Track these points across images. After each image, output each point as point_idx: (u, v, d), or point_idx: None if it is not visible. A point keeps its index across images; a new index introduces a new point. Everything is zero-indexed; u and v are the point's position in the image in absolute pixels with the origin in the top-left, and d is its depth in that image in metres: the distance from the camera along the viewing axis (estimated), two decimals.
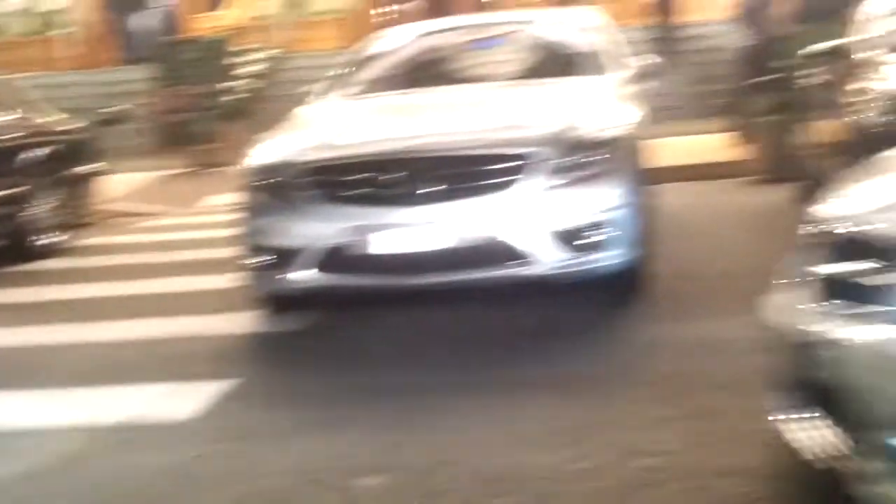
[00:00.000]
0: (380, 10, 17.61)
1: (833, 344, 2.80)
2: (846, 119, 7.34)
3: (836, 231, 2.98)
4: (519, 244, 5.35)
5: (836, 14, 9.95)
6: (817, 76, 8.65)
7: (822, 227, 3.07)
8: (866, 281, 2.78)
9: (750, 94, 11.18)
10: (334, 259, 5.47)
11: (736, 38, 12.81)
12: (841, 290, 2.86)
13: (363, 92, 7.22)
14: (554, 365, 4.90)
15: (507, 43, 7.74)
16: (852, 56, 7.90)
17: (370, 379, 4.93)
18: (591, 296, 5.86)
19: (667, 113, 11.87)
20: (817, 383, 2.86)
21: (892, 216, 2.88)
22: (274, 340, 5.83)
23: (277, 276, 5.63)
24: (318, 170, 5.62)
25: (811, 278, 3.00)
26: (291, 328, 5.92)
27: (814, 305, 2.93)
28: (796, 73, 9.64)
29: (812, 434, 2.95)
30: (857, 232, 2.89)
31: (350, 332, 5.82)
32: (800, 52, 9.00)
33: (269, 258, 5.64)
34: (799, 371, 2.98)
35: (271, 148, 6.01)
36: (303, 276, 5.55)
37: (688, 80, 14.30)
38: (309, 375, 5.10)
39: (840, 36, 8.48)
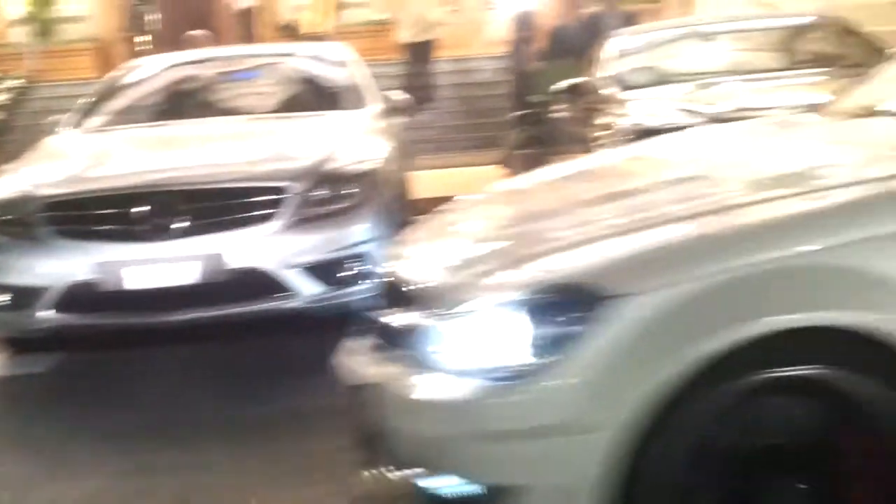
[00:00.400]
0: (139, 39, 17.19)
1: (371, 388, 2.90)
2: (593, 152, 7.66)
3: (385, 279, 3.20)
4: (273, 278, 5.30)
5: (582, 52, 10.44)
6: (565, 111, 9.00)
7: (382, 276, 3.26)
8: (395, 325, 2.93)
9: (512, 127, 11.60)
10: (77, 297, 5.26)
11: (501, 73, 13.29)
12: (383, 336, 3.00)
13: (114, 123, 7.01)
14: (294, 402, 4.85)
15: (263, 76, 7.71)
16: (598, 92, 8.27)
17: (113, 422, 4.76)
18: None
19: (434, 146, 12.11)
20: (373, 430, 2.92)
21: (414, 264, 3.12)
22: (12, 384, 5.56)
23: (16, 317, 5.36)
24: (60, 204, 5.40)
25: (372, 327, 3.13)
26: (32, 370, 5.65)
27: (368, 353, 3.06)
28: (549, 109, 10.02)
29: (380, 482, 2.94)
30: (396, 279, 3.09)
31: (94, 374, 5.62)
32: (551, 88, 9.35)
33: (6, 298, 5.36)
34: (360, 420, 3.03)
35: (12, 181, 5.74)
36: (44, 316, 5.29)
37: (460, 113, 14.63)
38: (50, 420, 4.89)
39: (584, 73, 8.88)
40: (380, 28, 13.11)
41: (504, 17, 15.04)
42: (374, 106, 6.96)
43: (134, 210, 5.28)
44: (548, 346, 2.51)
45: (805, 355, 2.48)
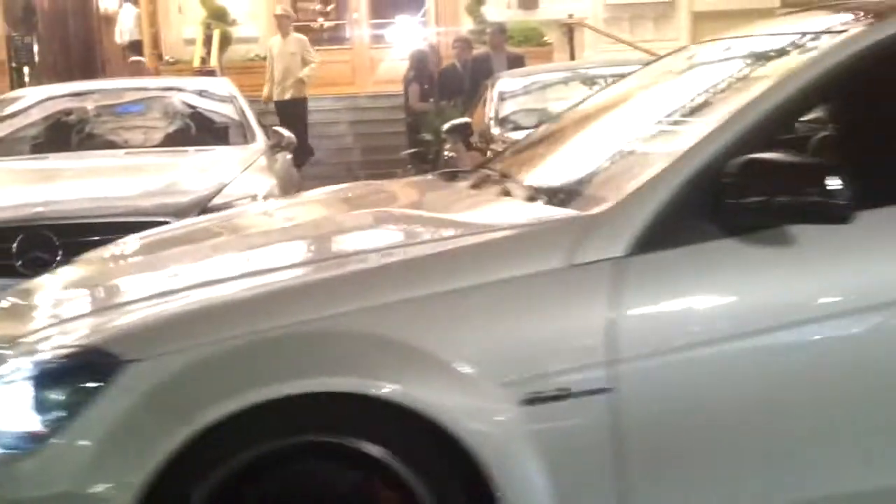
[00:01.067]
0: (26, 70, 16.87)
1: None
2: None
3: None
4: None
5: (470, 93, 10.61)
6: (453, 150, 9.13)
7: None
8: None
9: (406, 164, 11.69)
10: None
11: (396, 112, 13.38)
12: None
13: None
14: None
15: (149, 109, 7.65)
16: (488, 132, 8.41)
17: None
18: None
19: (329, 181, 12.08)
20: None
21: None
22: None
23: None
24: None
25: None
26: None
27: None
28: (440, 147, 10.14)
29: None
30: None
31: None
32: (441, 126, 9.47)
33: None
34: None
35: None
36: None
37: (355, 150, 14.66)
38: None
39: (469, 114, 9.02)
40: (265, 65, 13.11)
41: (398, 55, 15.21)
42: (259, 142, 6.97)
43: (15, 244, 5.18)
44: (58, 413, 2.42)
45: (317, 422, 2.45)
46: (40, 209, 5.50)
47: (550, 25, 15.29)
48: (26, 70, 16.79)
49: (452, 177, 3.74)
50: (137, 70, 11.86)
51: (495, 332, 2.48)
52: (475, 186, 3.39)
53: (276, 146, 7.17)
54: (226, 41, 15.25)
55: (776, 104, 2.64)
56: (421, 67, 12.63)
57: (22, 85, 14.69)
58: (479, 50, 12.20)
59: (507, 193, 3.14)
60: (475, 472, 2.42)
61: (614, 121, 3.56)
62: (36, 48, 17.15)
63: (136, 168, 6.47)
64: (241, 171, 6.26)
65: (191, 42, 15.25)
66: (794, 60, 2.87)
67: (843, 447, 2.58)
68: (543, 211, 2.83)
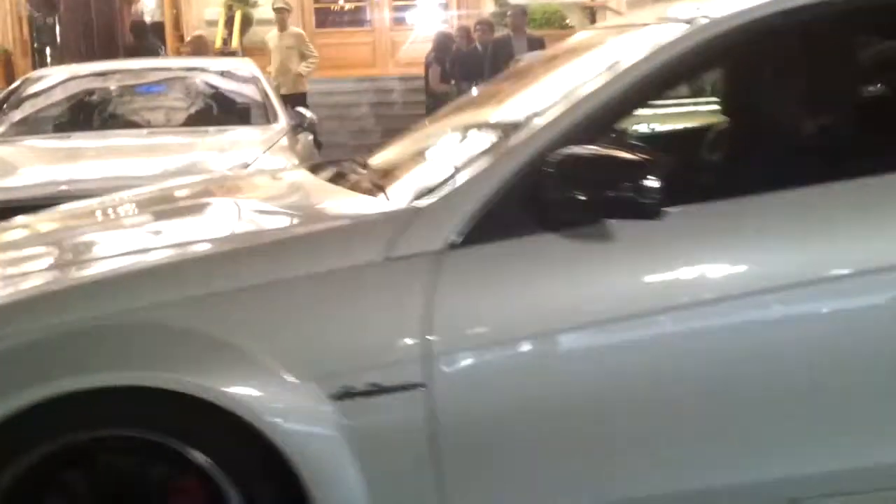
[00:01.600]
0: (48, 51, 16.94)
1: None
2: None
3: None
4: None
5: (490, 75, 10.59)
6: None
7: None
8: None
9: None
10: None
11: (416, 94, 13.32)
12: None
13: (17, 133, 6.92)
14: None
15: (172, 89, 7.68)
16: None
17: None
18: None
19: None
20: None
21: None
22: None
23: None
24: None
25: None
26: None
27: None
28: None
29: None
30: None
31: None
32: None
33: None
34: None
35: None
36: None
37: (375, 132, 14.69)
38: None
39: None
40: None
41: (420, 37, 15.21)
42: (281, 122, 6.99)
43: None
44: None
45: (122, 415, 2.41)
46: (64, 187, 5.54)
47: (572, 8, 15.28)
48: (48, 51, 16.88)
49: (317, 168, 3.60)
50: (199, 47, 11.13)
51: (307, 326, 2.43)
52: (331, 180, 3.26)
53: (298, 126, 7.19)
54: (247, 22, 15.30)
55: (604, 100, 2.59)
56: (443, 49, 12.61)
57: (44, 66, 14.77)
58: (500, 33, 12.18)
59: (355, 187, 3.04)
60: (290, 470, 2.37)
61: (478, 116, 3.47)
62: (58, 29, 17.24)
63: (158, 148, 6.50)
64: (263, 151, 6.28)
65: (212, 23, 15.30)
66: (635, 55, 2.77)
67: (652, 448, 2.53)
68: (372, 205, 2.77)
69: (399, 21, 17.07)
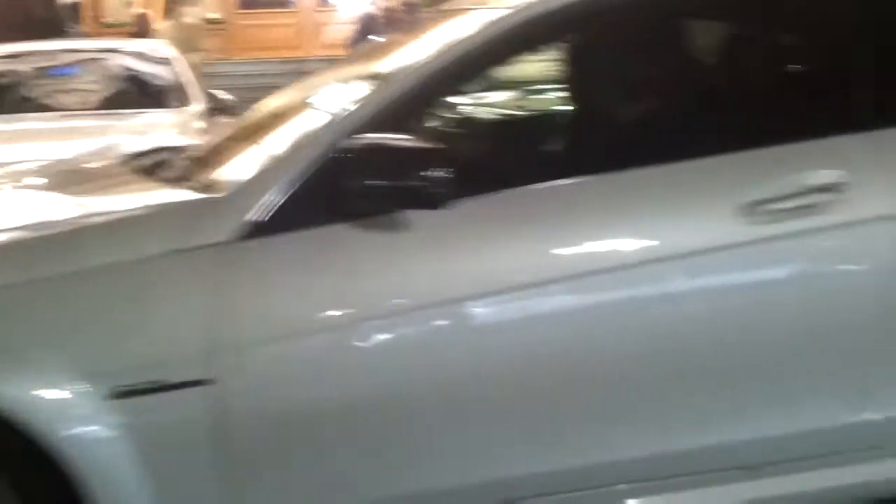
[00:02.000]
0: None
1: None
2: None
3: None
4: None
5: None
6: None
7: None
8: None
9: None
10: None
11: None
12: None
13: None
14: None
15: (85, 71, 7.54)
16: None
17: None
18: None
19: None
20: None
21: None
22: None
23: None
24: None
25: None
26: None
27: None
28: None
29: None
30: None
31: None
32: None
33: None
34: None
35: None
36: None
37: None
38: None
39: None
40: (212, 27, 12.97)
41: (345, 18, 15.08)
42: (197, 105, 6.90)
43: None
44: None
45: None
46: None
47: None
48: None
49: (135, 159, 3.33)
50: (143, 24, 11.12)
51: (86, 321, 2.32)
52: (146, 171, 3.05)
53: (214, 109, 7.11)
54: (170, 1, 15.07)
55: (412, 84, 2.51)
56: (368, 31, 12.54)
57: None
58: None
59: (164, 180, 2.87)
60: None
61: (302, 101, 3.23)
62: None
63: (71, 131, 6.38)
64: (177, 133, 6.21)
65: (130, 4, 15.05)
66: (451, 37, 2.69)
67: (437, 444, 2.46)
68: (170, 197, 2.64)
69: (323, 2, 16.94)
